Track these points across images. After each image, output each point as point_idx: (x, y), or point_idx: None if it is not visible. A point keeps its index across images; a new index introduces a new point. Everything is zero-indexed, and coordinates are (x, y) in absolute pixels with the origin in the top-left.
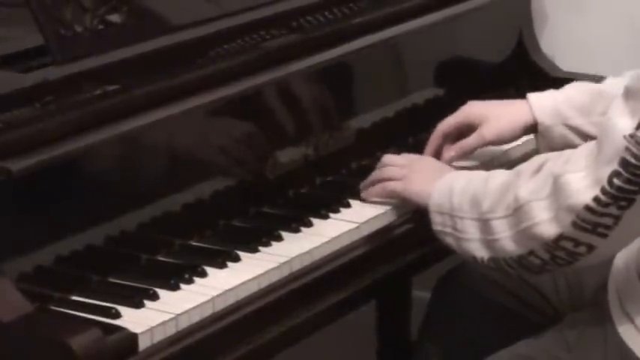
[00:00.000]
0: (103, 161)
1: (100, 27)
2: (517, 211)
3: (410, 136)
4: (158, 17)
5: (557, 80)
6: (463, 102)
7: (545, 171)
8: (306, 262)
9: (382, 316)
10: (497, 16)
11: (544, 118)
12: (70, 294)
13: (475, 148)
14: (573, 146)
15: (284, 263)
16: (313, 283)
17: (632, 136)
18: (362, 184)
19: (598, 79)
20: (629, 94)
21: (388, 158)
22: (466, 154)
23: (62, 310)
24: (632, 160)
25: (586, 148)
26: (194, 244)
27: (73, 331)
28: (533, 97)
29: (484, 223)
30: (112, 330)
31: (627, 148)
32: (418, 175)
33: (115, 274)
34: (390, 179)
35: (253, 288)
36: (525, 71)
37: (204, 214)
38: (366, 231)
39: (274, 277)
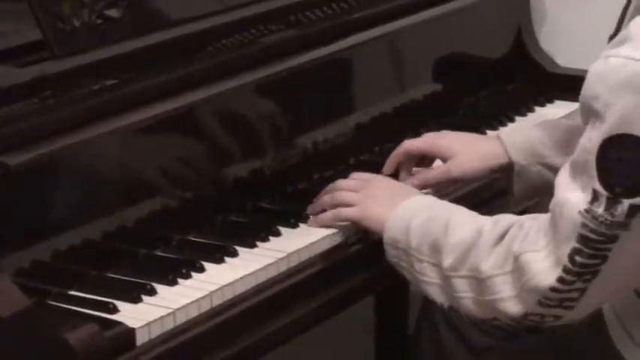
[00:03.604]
0: (101, 156)
1: (99, 21)
2: (479, 282)
3: (408, 132)
4: (156, 12)
5: (555, 76)
6: (462, 99)
7: (507, 243)
8: (304, 257)
9: (380, 311)
10: (496, 12)
11: (519, 158)
12: (68, 289)
13: (438, 183)
14: (552, 185)
15: (282, 259)
16: (311, 279)
17: (587, 211)
18: (310, 208)
19: None
20: (575, 168)
21: (339, 183)
22: (427, 187)
23: (60, 305)
24: (592, 236)
25: (542, 224)
26: (192, 239)
27: (71, 326)
28: (505, 135)
29: (444, 278)
30: (110, 325)
31: (584, 224)
32: (373, 201)
33: (112, 269)
34: (343, 204)
35: (251, 283)
36: (524, 67)
37: (202, 209)
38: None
39: (272, 273)
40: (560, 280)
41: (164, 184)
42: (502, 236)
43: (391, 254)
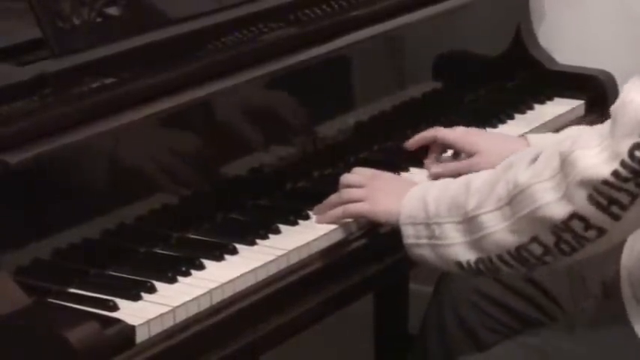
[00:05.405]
0: (100, 154)
1: (98, 20)
2: (515, 199)
3: (408, 130)
4: (156, 10)
5: (555, 74)
6: (462, 96)
7: (547, 154)
8: (304, 254)
9: (379, 309)
10: (496, 10)
11: None
12: (68, 287)
13: (460, 174)
14: None
15: (281, 256)
16: (311, 276)
17: None
18: (317, 208)
19: (595, 72)
20: None
21: (346, 179)
22: (449, 175)
23: (60, 302)
24: None
25: (598, 128)
26: (192, 236)
27: (71, 324)
28: (533, 137)
29: (470, 222)
30: (110, 323)
31: None
32: (381, 194)
33: (112, 266)
34: (351, 201)
35: (251, 281)
36: (523, 65)
37: (201, 207)
38: (363, 224)
39: (272, 270)
40: (615, 173)
41: (164, 182)
42: (535, 158)
43: (408, 234)
